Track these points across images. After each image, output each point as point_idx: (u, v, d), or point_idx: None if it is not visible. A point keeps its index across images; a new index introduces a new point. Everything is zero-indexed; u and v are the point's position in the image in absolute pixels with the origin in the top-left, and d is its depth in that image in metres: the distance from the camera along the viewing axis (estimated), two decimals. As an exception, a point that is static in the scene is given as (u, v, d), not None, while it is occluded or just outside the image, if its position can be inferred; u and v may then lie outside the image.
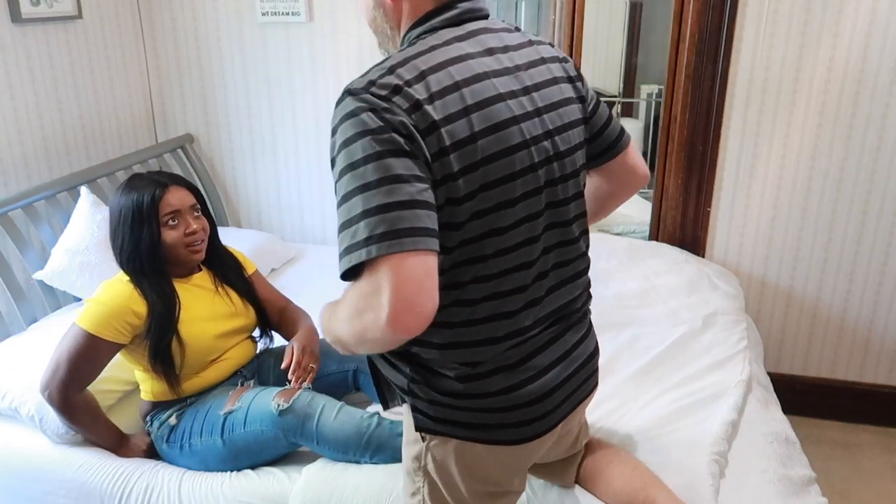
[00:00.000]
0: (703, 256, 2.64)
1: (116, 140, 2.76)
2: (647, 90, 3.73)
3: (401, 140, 0.94)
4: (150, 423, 1.78)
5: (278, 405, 1.64)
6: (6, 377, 1.85)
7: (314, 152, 2.90)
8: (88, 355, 1.65)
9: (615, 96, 3.82)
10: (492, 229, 1.05)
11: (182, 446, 1.72)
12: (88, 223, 2.24)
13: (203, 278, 1.83)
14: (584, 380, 1.25)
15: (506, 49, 1.11)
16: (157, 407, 1.78)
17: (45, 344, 1.94)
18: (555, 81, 1.15)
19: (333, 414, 1.63)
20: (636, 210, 3.39)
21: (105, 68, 2.68)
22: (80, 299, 2.25)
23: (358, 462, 1.64)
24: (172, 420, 1.74)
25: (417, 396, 1.15)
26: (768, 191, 2.52)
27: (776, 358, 2.69)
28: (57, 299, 2.24)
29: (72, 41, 2.52)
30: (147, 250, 1.69)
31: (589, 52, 2.67)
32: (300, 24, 2.73)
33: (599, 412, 1.75)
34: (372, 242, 0.90)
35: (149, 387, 1.76)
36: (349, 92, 0.98)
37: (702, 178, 2.56)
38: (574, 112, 1.17)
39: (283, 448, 1.69)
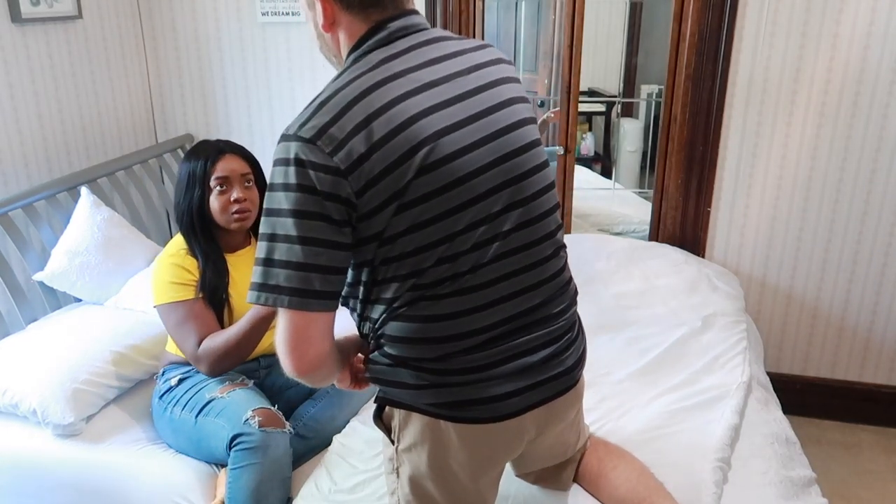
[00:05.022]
0: (703, 257, 2.64)
1: (116, 140, 2.76)
2: (647, 90, 3.73)
3: (321, 198, 1.01)
4: (161, 373, 1.87)
5: (250, 418, 1.64)
6: (5, 374, 1.85)
7: (314, 152, 2.89)
8: (184, 319, 1.74)
9: (615, 96, 3.82)
10: (447, 233, 1.07)
11: (166, 409, 1.79)
12: (88, 224, 2.24)
13: (252, 253, 1.88)
14: (559, 372, 1.19)
15: (446, 57, 1.12)
16: (173, 363, 1.86)
17: (45, 342, 1.95)
18: (503, 81, 1.17)
19: (275, 482, 1.61)
20: (636, 210, 3.39)
21: (105, 68, 2.68)
22: (80, 300, 2.26)
23: None
24: (174, 381, 1.81)
25: (391, 382, 1.16)
26: (768, 191, 2.52)
27: (776, 358, 2.69)
28: (57, 300, 2.24)
29: (72, 41, 2.52)
30: (196, 212, 1.79)
31: (589, 52, 2.67)
32: (300, 24, 2.73)
33: (599, 412, 1.75)
34: (284, 294, 1.03)
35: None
36: (284, 136, 1.04)
37: (702, 178, 2.56)
38: (522, 111, 1.18)
39: (222, 449, 1.67)
